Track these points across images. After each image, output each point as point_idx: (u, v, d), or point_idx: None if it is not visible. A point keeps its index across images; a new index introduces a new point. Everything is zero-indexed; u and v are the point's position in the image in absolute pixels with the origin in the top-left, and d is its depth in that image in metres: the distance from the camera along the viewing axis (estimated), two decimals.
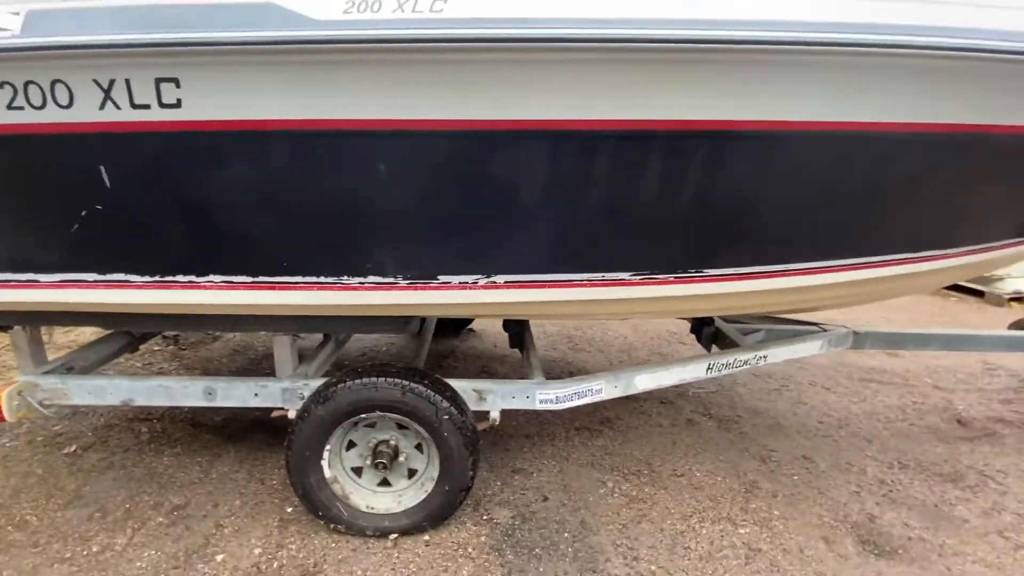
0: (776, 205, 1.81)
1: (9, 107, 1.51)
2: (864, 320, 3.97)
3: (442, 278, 1.82)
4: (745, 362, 2.57)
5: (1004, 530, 2.20)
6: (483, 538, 2.07)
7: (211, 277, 1.80)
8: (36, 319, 2.16)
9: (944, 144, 1.69)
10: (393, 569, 1.91)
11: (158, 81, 1.45)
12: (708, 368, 2.47)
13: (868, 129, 1.62)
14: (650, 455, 2.68)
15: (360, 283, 1.81)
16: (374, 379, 1.93)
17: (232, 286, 1.81)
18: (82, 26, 1.40)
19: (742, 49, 1.42)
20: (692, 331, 3.15)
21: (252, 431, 2.75)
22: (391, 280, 1.81)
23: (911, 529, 2.19)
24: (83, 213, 1.66)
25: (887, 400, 3.38)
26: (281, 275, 1.80)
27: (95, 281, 1.81)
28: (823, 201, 1.82)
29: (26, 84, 1.47)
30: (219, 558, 1.94)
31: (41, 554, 1.94)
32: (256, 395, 2.13)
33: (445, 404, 1.95)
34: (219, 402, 2.15)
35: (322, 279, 1.79)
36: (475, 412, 2.12)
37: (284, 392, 2.12)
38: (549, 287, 1.86)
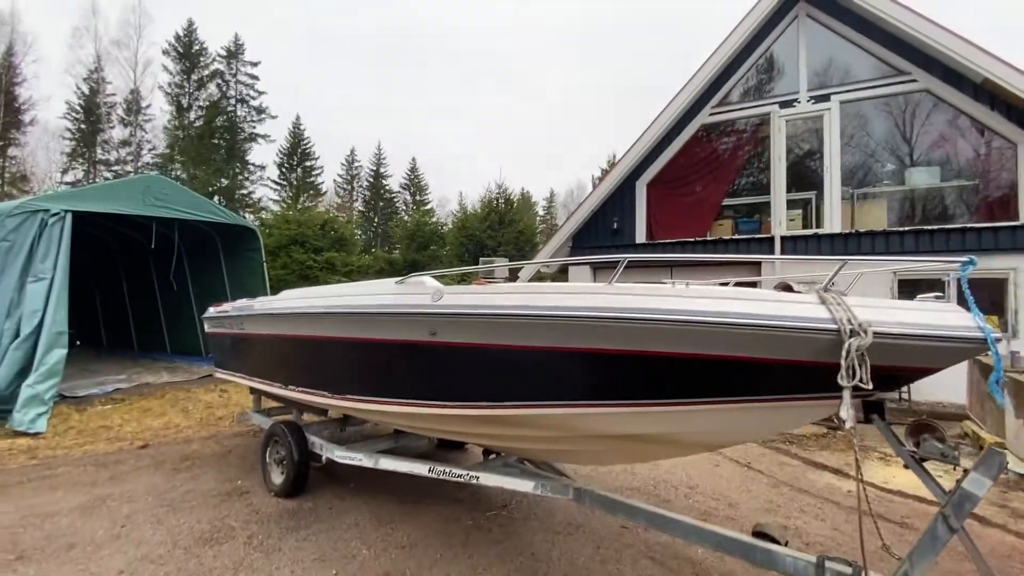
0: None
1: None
2: None
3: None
4: (459, 475, 4.31)
5: None
6: (289, 507, 4.73)
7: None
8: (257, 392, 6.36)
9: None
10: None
11: None
12: (429, 470, 4.39)
13: None
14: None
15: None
16: (276, 425, 5.13)
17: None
18: None
19: None
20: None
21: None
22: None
23: None
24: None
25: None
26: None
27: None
28: None
29: None
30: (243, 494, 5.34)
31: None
32: None
33: (290, 440, 4.90)
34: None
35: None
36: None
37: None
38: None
